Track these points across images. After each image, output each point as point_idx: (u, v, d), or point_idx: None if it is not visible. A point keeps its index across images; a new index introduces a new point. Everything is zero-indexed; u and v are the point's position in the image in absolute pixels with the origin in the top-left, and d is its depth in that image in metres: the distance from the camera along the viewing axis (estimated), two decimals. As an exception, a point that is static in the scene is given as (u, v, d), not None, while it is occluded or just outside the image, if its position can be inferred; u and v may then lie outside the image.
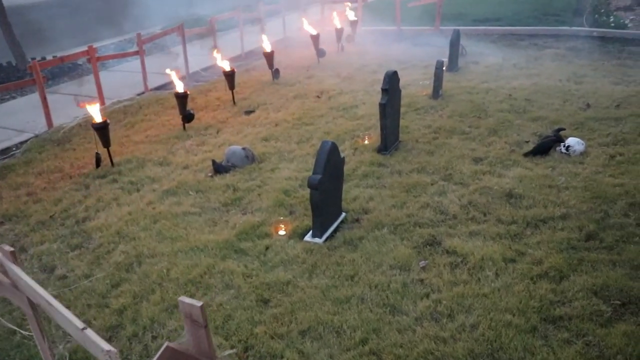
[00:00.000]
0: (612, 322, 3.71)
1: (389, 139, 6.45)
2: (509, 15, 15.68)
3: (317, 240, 4.79)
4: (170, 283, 4.40)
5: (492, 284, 4.09)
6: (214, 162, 6.48)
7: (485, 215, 5.06)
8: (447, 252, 4.53)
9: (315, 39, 11.50)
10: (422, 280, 4.20)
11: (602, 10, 14.49)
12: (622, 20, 13.76)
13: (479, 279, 4.17)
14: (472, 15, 15.90)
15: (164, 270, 4.56)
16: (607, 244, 4.55)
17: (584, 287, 4.01)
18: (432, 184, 5.71)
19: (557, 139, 6.49)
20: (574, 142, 6.38)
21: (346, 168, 6.08)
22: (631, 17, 14.22)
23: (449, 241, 4.65)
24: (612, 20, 13.69)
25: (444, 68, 8.55)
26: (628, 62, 10.73)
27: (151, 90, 10.65)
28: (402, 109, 7.62)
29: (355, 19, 13.77)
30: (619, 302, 3.89)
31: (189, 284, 4.37)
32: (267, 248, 4.78)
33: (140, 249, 4.93)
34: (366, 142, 6.92)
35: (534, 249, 4.49)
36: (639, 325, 3.67)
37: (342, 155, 5.12)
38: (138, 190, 6.20)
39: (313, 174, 4.62)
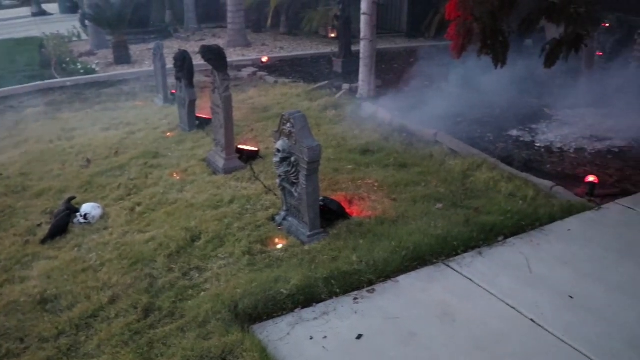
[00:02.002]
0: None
1: None
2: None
3: None
4: None
5: None
6: None
7: (22, 341, 4.02)
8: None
9: None
10: None
11: (68, 59, 14.27)
12: (89, 66, 13.81)
13: None
14: None
15: None
16: (167, 311, 4.20)
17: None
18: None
19: (71, 210, 5.83)
20: (89, 208, 5.84)
21: None
22: (96, 62, 14.42)
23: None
24: (80, 67, 13.60)
25: None
26: (109, 104, 10.74)
27: None
28: None
29: None
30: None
31: None
32: None
33: None
34: None
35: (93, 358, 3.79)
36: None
37: None
38: None
39: None
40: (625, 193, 6.12)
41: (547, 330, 3.88)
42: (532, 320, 3.99)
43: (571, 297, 4.24)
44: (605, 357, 3.63)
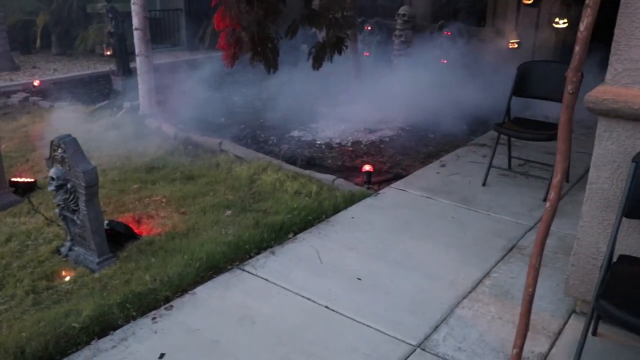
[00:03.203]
0: None
1: None
2: None
3: None
4: None
5: None
6: None
7: None
8: None
9: None
10: None
11: None
12: None
13: None
14: None
15: None
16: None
17: None
18: None
19: None
20: None
21: None
22: None
23: None
24: None
25: None
26: None
27: None
28: None
29: None
30: None
31: None
32: None
33: None
34: None
35: None
36: None
37: None
38: None
39: None
40: (397, 177, 6.76)
41: (340, 314, 4.14)
42: (326, 306, 4.22)
43: (359, 279, 4.56)
44: (392, 326, 3.98)
